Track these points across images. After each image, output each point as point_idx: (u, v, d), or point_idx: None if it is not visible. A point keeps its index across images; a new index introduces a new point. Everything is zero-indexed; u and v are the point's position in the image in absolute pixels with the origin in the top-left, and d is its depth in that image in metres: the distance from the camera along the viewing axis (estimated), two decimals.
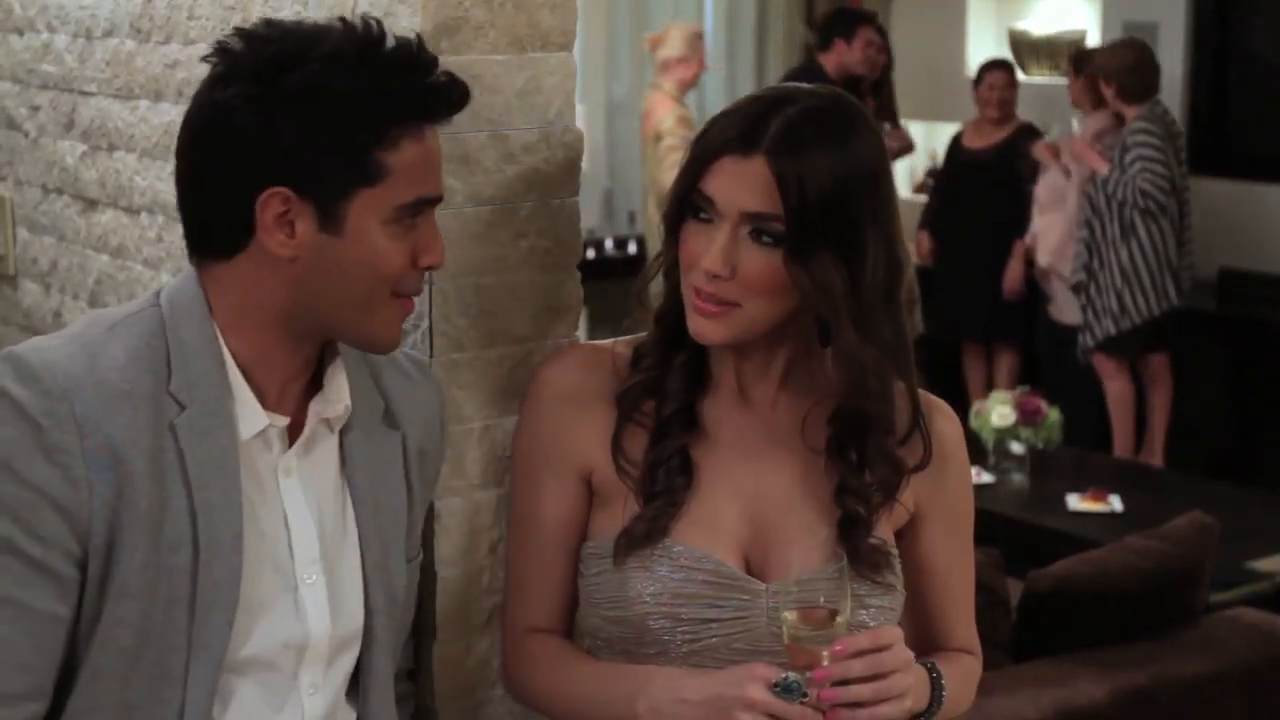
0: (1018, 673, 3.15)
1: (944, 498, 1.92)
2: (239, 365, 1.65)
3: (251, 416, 1.64)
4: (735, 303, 1.75)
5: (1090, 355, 6.54)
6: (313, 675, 1.69)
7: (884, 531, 1.87)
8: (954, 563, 1.96)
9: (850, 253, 1.73)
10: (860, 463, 1.84)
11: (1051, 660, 3.21)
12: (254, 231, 1.60)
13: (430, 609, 1.96)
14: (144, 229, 2.65)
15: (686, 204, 1.79)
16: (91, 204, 2.82)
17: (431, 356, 1.94)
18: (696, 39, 7.04)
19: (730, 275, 1.74)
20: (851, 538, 1.82)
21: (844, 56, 6.94)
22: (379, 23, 1.63)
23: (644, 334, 1.91)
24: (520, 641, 1.92)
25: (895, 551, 1.87)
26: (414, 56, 1.62)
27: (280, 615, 1.66)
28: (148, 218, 2.63)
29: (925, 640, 1.95)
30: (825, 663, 1.68)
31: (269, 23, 1.66)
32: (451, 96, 1.65)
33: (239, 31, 1.64)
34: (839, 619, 1.71)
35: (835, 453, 1.85)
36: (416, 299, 1.71)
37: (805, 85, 1.82)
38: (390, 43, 1.62)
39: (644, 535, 1.80)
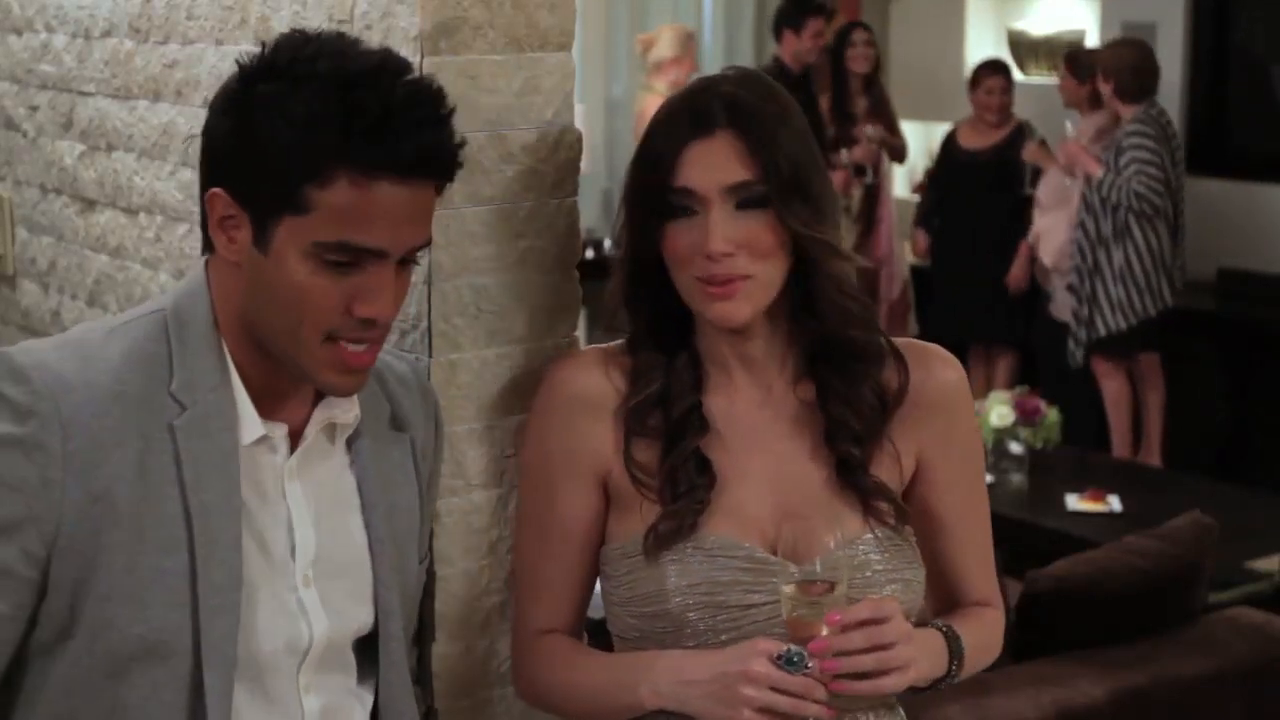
0: (1017, 673, 3.15)
1: (951, 444, 1.92)
2: (238, 369, 1.65)
3: (250, 423, 1.64)
4: (746, 275, 1.79)
5: (1084, 356, 6.52)
6: (310, 675, 1.69)
7: (888, 477, 1.87)
8: (966, 512, 1.94)
9: (813, 195, 1.81)
10: (848, 400, 1.85)
11: (1051, 660, 3.21)
12: None
13: (430, 609, 1.96)
14: (142, 229, 2.65)
15: (664, 208, 1.81)
16: (90, 204, 2.81)
17: (431, 357, 1.94)
18: (688, 39, 7.05)
19: (734, 251, 1.78)
20: (852, 478, 1.84)
21: (795, 46, 6.96)
22: (405, 62, 1.59)
23: (626, 338, 1.91)
24: (531, 643, 1.92)
25: (905, 527, 1.87)
26: (406, 106, 1.54)
27: (282, 617, 1.66)
28: (146, 218, 2.63)
29: (943, 596, 1.95)
30: (824, 633, 1.69)
31: (296, 30, 1.64)
32: (430, 161, 1.57)
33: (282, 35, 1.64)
34: (837, 590, 1.72)
35: (823, 399, 1.86)
36: (367, 347, 1.61)
37: (720, 72, 1.91)
38: (401, 83, 1.56)
39: (673, 531, 1.81)
